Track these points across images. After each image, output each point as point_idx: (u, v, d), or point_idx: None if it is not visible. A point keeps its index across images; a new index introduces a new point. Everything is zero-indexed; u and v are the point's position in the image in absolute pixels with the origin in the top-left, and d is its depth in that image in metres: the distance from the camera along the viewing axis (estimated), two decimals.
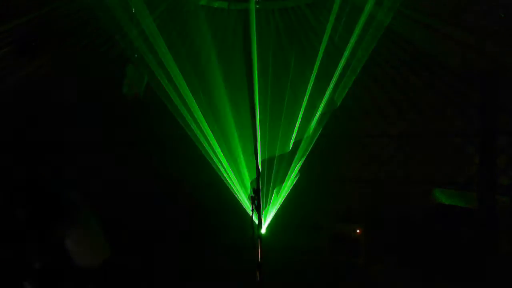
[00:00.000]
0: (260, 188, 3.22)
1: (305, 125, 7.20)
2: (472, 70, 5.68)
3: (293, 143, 7.01)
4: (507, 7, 4.07)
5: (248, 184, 6.66)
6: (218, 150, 6.67)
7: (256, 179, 3.24)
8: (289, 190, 6.82)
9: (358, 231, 5.59)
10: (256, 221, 3.12)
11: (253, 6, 4.92)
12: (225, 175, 6.70)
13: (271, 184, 6.89)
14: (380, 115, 7.65)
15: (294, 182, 6.78)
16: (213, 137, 6.65)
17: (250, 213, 3.16)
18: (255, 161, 3.24)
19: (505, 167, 6.26)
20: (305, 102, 6.54)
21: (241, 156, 6.68)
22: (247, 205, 6.49)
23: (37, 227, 2.54)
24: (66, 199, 2.73)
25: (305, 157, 6.76)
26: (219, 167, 6.68)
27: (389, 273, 5.30)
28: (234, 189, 6.68)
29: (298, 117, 6.80)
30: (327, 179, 8.22)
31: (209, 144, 6.67)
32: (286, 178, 6.87)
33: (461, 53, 5.34)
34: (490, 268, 4.94)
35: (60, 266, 2.55)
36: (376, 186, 7.86)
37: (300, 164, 6.74)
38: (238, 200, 6.72)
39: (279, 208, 6.87)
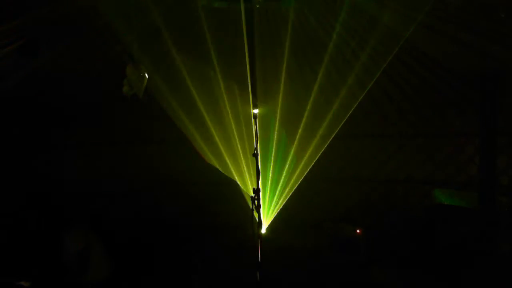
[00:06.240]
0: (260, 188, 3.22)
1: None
2: (472, 71, 5.68)
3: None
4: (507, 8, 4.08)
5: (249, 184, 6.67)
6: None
7: (256, 179, 3.24)
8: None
9: (358, 231, 5.59)
10: (256, 221, 3.13)
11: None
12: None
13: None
14: (380, 115, 7.65)
15: None
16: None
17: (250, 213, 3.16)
18: (255, 161, 3.24)
19: (505, 167, 6.26)
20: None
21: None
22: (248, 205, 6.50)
23: (44, 231, 2.66)
24: (70, 213, 2.83)
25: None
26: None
27: (389, 273, 5.30)
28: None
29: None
30: (327, 179, 8.22)
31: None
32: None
33: (462, 54, 5.34)
34: (490, 268, 4.94)
35: (55, 275, 2.63)
36: (376, 186, 7.85)
37: None
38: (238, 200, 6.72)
39: (279, 208, 6.88)
